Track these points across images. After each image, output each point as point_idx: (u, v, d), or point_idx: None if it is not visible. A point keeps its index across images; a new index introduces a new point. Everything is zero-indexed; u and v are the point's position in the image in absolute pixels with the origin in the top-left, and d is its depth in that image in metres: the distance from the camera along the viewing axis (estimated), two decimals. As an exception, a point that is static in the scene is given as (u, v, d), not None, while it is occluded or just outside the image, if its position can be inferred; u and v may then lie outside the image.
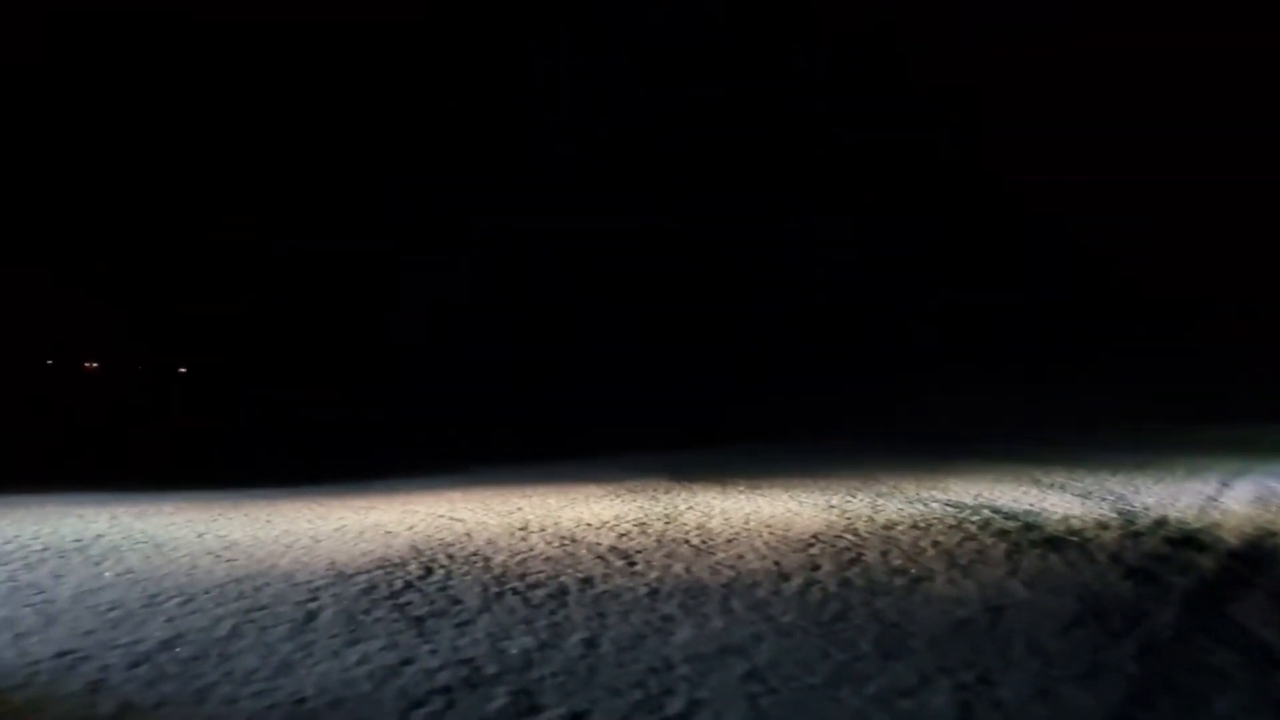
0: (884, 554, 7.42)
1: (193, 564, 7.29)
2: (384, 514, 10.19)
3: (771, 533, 8.52)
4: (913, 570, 6.77)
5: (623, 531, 8.68)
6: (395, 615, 5.62)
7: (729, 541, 8.10)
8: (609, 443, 21.18)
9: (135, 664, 4.66)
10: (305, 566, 7.07)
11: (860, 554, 7.43)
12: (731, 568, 6.98)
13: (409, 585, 6.40)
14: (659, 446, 20.20)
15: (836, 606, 5.74)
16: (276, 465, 18.10)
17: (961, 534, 8.29)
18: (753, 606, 5.78)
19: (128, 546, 8.06)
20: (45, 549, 7.83)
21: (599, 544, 8.02)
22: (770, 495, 11.52)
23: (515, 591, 6.23)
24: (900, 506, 10.21)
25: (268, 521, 9.74)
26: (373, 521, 9.54)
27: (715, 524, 9.13)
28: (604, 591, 6.22)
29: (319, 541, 8.28)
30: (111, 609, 5.80)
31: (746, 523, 9.16)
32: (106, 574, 6.88)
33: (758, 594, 6.11)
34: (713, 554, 7.56)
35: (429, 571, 6.85)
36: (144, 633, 5.25)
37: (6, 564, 7.18)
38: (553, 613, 5.69)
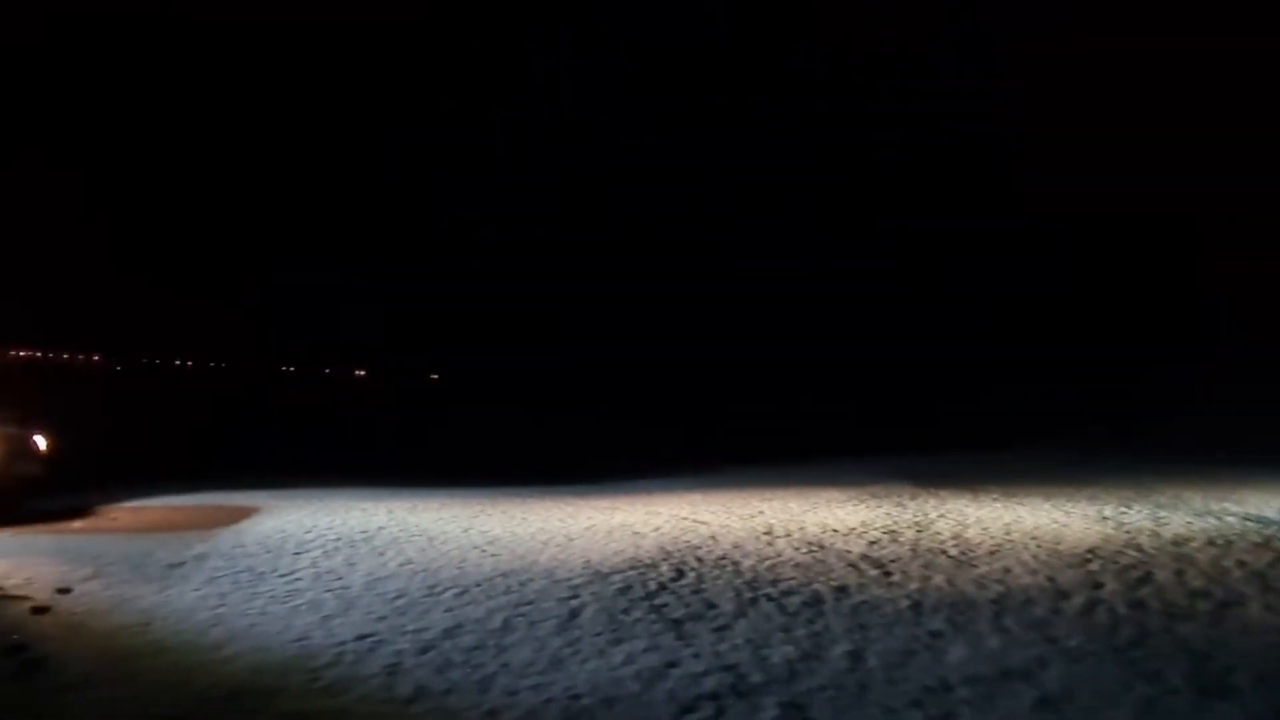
0: (1178, 573, 6.62)
1: (462, 557, 7.80)
2: (629, 515, 10.44)
3: (1039, 545, 7.87)
4: (1218, 593, 5.98)
5: (873, 539, 8.35)
6: (654, 616, 5.69)
7: (991, 553, 7.56)
8: (842, 445, 20.63)
9: (424, 650, 5.01)
10: (563, 564, 7.36)
11: (1149, 572, 6.67)
12: (999, 582, 6.49)
13: (663, 587, 6.48)
14: (895, 450, 19.41)
15: (1131, 631, 5.16)
16: (522, 465, 19.15)
17: (1272, 553, 7.26)
18: (1031, 626, 5.32)
19: (405, 538, 8.76)
20: (338, 539, 8.68)
21: (849, 551, 7.75)
22: (1030, 504, 10.68)
23: (769, 598, 6.13)
24: (1188, 520, 9.12)
25: (523, 519, 10.27)
26: (619, 522, 9.80)
27: (972, 534, 8.57)
28: (862, 602, 5.98)
29: (572, 540, 8.60)
30: (398, 597, 6.30)
31: (1008, 533, 8.53)
32: (391, 564, 7.50)
33: (1034, 612, 5.63)
34: (974, 566, 7.08)
35: (680, 574, 6.91)
36: (427, 621, 5.64)
37: (309, 551, 8.02)
38: (810, 621, 5.53)
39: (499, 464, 19.24)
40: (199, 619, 5.74)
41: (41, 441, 11.08)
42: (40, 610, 5.91)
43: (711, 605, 5.95)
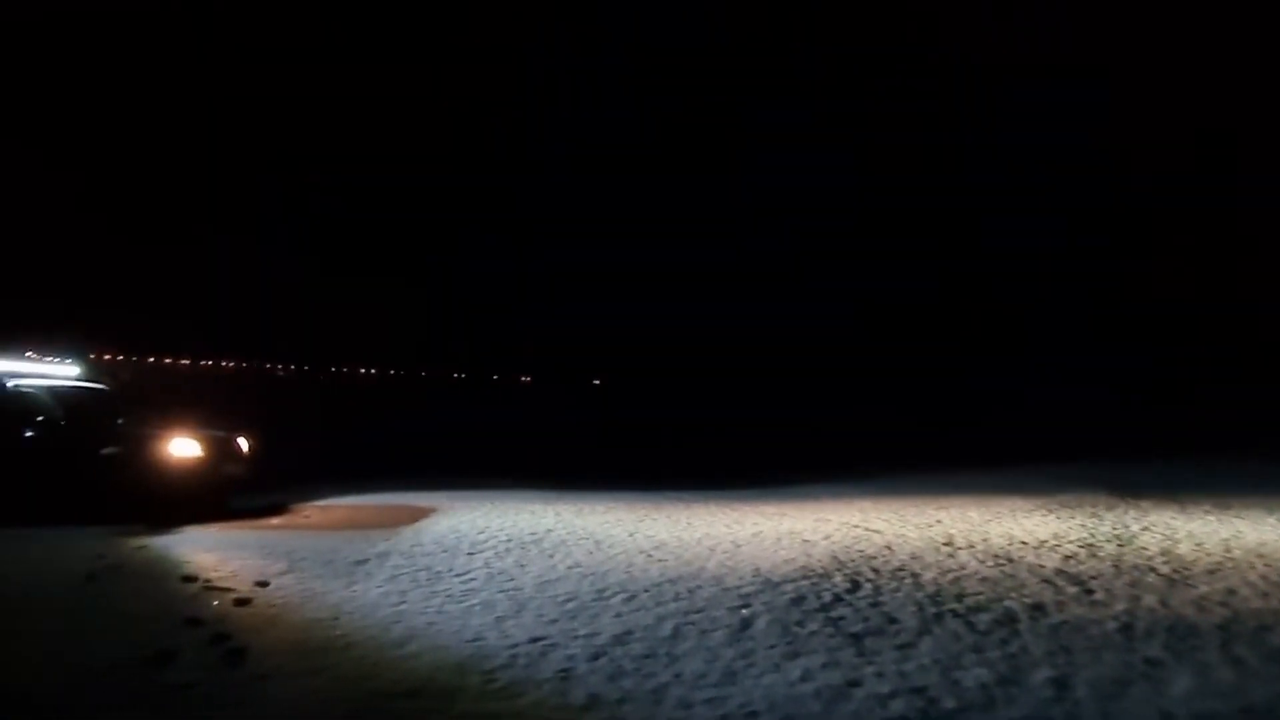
0: None
1: (629, 561, 7.76)
2: (797, 521, 10.13)
3: (1267, 564, 7.01)
4: None
5: (1068, 553, 7.69)
6: (830, 630, 5.42)
7: (1210, 573, 6.78)
8: (1023, 451, 19.38)
9: (595, 656, 4.96)
10: (732, 571, 7.17)
11: None
12: (1223, 605, 5.79)
13: (838, 598, 6.17)
14: (1083, 456, 18.05)
15: (1398, 669, 4.44)
16: (691, 469, 19.10)
17: None
18: (1270, 657, 4.69)
19: (573, 542, 8.84)
20: (509, 540, 8.85)
21: (1041, 565, 7.16)
22: (1249, 517, 9.60)
23: (955, 614, 5.72)
24: None
25: (688, 524, 10.16)
26: (787, 529, 9.51)
27: (1184, 550, 7.74)
28: (1062, 622, 5.47)
29: (739, 546, 8.41)
30: (568, 600, 6.31)
31: (1228, 550, 7.65)
32: (560, 566, 7.56)
33: (1272, 641, 4.97)
34: (1192, 586, 6.36)
35: (855, 585, 6.57)
36: (597, 626, 5.60)
37: (482, 552, 8.21)
38: (1004, 642, 5.10)
39: (661, 468, 19.28)
40: (382, 615, 5.94)
41: (244, 444, 11.98)
42: (242, 602, 6.29)
43: (892, 620, 5.61)
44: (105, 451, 10.55)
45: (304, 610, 6.11)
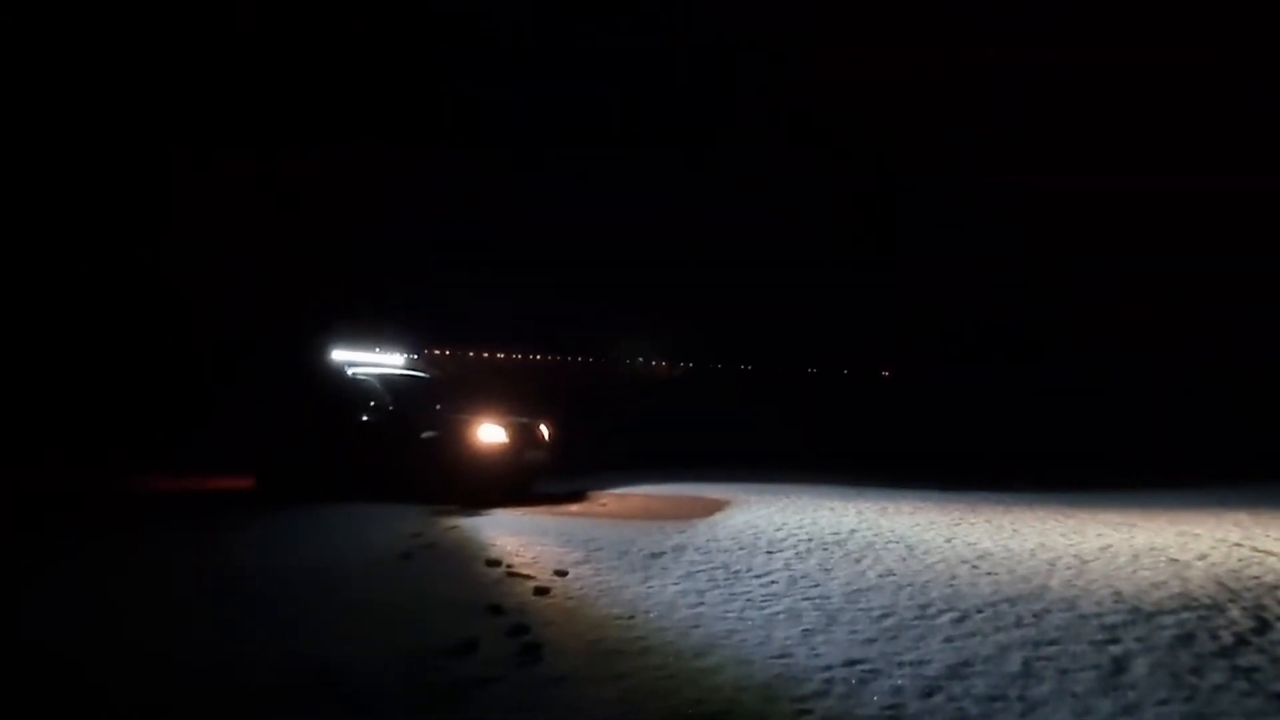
0: None
1: (950, 572, 6.78)
2: (1153, 535, 8.49)
3: None
4: None
5: None
6: (1242, 684, 4.17)
7: None
8: None
9: (928, 692, 4.14)
10: (1085, 593, 5.97)
11: None
12: None
13: (1242, 640, 4.83)
14: None
15: None
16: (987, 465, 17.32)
17: None
18: None
19: (881, 545, 7.97)
20: (809, 540, 8.17)
21: None
22: None
23: None
24: None
25: (1014, 531, 8.88)
26: (1144, 544, 7.96)
27: None
28: None
29: (1086, 563, 7.09)
30: (884, 615, 5.51)
31: None
32: (870, 573, 6.75)
33: None
34: None
35: (1263, 624, 5.15)
36: (925, 651, 4.76)
37: (781, 551, 7.59)
38: None
39: (968, 466, 17.64)
40: (679, 617, 5.51)
41: (546, 431, 12.32)
42: (541, 591, 6.16)
43: (1333, 679, 4.23)
44: (425, 435, 11.24)
45: (600, 605, 5.85)
